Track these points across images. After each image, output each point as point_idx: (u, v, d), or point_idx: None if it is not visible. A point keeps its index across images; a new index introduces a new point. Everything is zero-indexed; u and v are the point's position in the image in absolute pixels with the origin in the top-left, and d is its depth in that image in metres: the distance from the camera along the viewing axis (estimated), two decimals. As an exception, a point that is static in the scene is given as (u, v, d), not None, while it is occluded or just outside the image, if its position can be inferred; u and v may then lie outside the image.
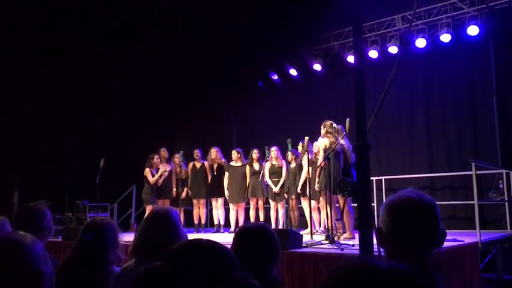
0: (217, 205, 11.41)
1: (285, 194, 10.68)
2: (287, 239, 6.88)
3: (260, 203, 11.15)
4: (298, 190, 10.22)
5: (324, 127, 9.20)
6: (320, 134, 9.33)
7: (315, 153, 10.11)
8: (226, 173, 11.33)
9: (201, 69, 12.15)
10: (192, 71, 12.08)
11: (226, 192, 11.28)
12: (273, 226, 10.86)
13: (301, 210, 10.76)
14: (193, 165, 11.85)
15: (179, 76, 12.27)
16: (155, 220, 3.29)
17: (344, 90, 12.40)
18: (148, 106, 13.24)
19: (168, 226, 3.24)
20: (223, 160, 11.54)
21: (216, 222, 11.26)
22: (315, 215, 10.48)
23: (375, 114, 4.16)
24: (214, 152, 11.68)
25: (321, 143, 8.97)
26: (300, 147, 10.45)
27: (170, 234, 3.15)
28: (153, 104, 13.16)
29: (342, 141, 8.80)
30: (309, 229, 9.35)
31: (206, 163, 11.55)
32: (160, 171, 11.26)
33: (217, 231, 11.12)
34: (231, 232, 10.94)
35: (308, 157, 9.67)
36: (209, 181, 11.53)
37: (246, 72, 13.18)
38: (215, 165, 11.49)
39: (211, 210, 11.87)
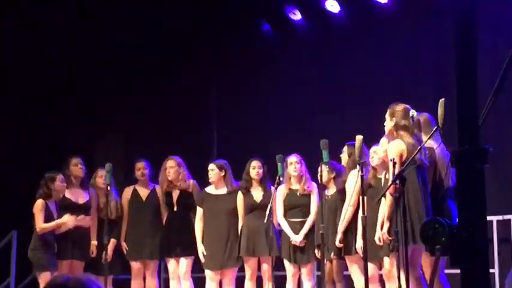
0: (181, 272, 8.63)
1: (316, 250, 7.83)
2: None
3: (266, 267, 8.16)
4: (338, 242, 7.51)
5: (393, 115, 6.39)
6: (381, 131, 6.56)
7: (374, 168, 7.44)
8: (200, 210, 8.53)
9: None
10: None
11: (199, 248, 8.44)
12: None
13: (348, 280, 7.82)
14: (134, 192, 8.84)
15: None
16: None
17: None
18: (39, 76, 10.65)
19: None
20: (192, 182, 8.68)
21: None
22: None
23: (495, 93, 2.94)
24: (172, 167, 8.63)
25: (389, 149, 6.33)
26: (344, 156, 7.73)
27: None
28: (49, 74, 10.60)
29: (431, 145, 6.25)
30: None
31: (159, 188, 8.83)
32: (64, 218, 8.13)
33: None
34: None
35: (361, 175, 6.62)
36: (164, 225, 8.65)
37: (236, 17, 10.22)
38: (175, 193, 8.64)
39: (167, 281, 8.92)
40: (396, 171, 5.94)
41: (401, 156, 6.18)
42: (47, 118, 10.62)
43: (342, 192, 7.57)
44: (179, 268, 8.47)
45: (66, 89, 10.95)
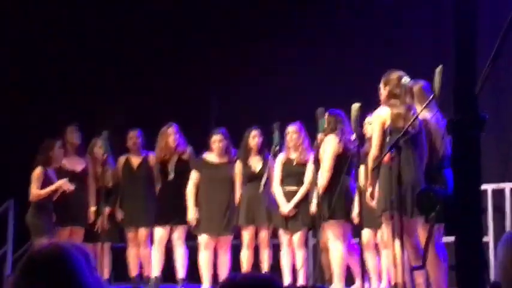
0: (176, 239, 8.59)
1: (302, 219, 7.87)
2: None
3: (264, 235, 8.16)
4: (314, 208, 7.54)
5: (387, 83, 6.36)
6: (376, 101, 6.50)
7: (369, 138, 7.39)
8: (195, 174, 8.47)
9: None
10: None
11: (191, 214, 8.33)
12: (288, 280, 7.91)
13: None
14: (127, 161, 8.80)
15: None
16: (33, 271, 2.30)
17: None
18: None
19: (58, 282, 2.26)
20: (187, 151, 8.58)
21: (178, 274, 8.56)
22: (369, 258, 7.68)
23: (492, 60, 2.84)
24: (170, 135, 8.53)
25: (380, 118, 6.29)
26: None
27: None
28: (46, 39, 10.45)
29: (425, 114, 6.23)
30: (357, 285, 7.07)
31: (152, 156, 8.74)
32: (58, 183, 8.13)
33: None
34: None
35: (358, 144, 6.79)
36: (158, 193, 8.56)
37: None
38: (172, 161, 8.52)
39: (169, 249, 8.76)
40: (390, 142, 5.92)
41: (383, 123, 6.18)
42: (47, 86, 10.60)
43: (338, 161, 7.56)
44: (174, 235, 8.42)
45: (68, 58, 10.93)
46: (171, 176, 8.42)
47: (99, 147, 8.48)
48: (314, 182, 7.43)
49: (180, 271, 8.48)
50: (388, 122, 6.16)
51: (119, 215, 8.59)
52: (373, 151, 6.27)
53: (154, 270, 8.46)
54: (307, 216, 7.67)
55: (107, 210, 8.33)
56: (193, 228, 8.39)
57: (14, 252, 9.56)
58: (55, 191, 8.09)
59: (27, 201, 8.29)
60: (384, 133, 6.09)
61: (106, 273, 8.04)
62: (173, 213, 8.37)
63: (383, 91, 6.37)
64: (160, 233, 8.45)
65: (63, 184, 8.09)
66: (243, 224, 8.11)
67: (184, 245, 8.49)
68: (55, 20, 10.65)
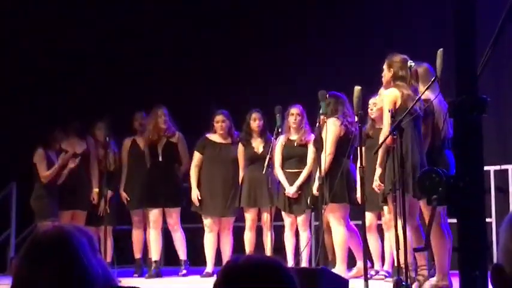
0: (171, 224, 8.69)
1: (308, 201, 7.70)
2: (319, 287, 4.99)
3: (266, 217, 8.08)
4: (315, 190, 7.41)
5: (391, 66, 6.37)
6: (379, 82, 6.57)
7: (373, 119, 7.58)
8: (198, 156, 8.53)
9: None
10: None
11: (194, 192, 8.37)
12: (291, 263, 7.90)
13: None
14: (133, 143, 8.82)
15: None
16: (36, 253, 2.28)
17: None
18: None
19: (62, 265, 2.24)
20: (178, 134, 8.62)
21: (180, 256, 8.65)
22: (372, 240, 7.72)
23: (493, 43, 2.93)
24: (159, 116, 8.56)
25: (385, 99, 6.30)
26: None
27: (71, 281, 2.22)
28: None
29: (428, 95, 6.18)
30: (359, 266, 7.03)
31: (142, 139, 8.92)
32: (62, 157, 8.19)
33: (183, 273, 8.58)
34: (206, 275, 8.30)
35: (359, 125, 6.56)
36: (147, 175, 8.56)
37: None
38: (161, 143, 8.57)
39: (168, 232, 8.88)
40: (392, 123, 5.89)
41: (395, 103, 6.19)
42: (47, 73, 10.56)
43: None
44: (168, 219, 8.48)
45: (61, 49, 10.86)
46: (160, 158, 8.45)
47: (99, 130, 8.50)
48: (315, 164, 7.38)
49: (181, 253, 8.52)
50: (399, 102, 6.18)
51: (124, 197, 8.57)
52: (385, 129, 6.24)
53: (154, 254, 8.50)
54: (310, 198, 7.61)
55: (109, 193, 8.30)
56: (197, 209, 8.36)
57: (17, 235, 9.58)
58: (61, 168, 8.06)
59: (30, 184, 8.30)
60: (393, 115, 6.00)
61: (108, 257, 7.99)
62: (164, 197, 8.38)
63: (387, 73, 6.39)
64: (154, 216, 8.46)
65: (67, 159, 8.05)
66: (245, 206, 8.15)
67: (180, 228, 8.49)
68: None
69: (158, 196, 8.40)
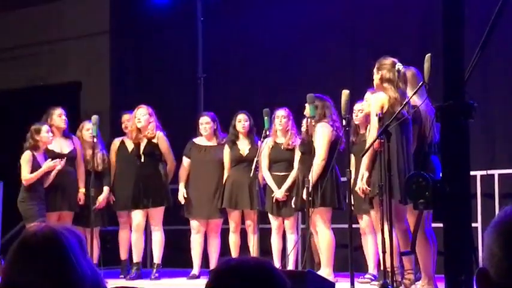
0: (152, 224, 8.66)
1: (294, 205, 7.70)
2: None
3: (249, 221, 8.18)
4: (305, 195, 7.30)
5: (380, 69, 6.36)
6: (369, 85, 6.62)
7: (357, 125, 7.60)
8: (186, 160, 8.52)
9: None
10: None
11: (181, 191, 8.41)
12: (277, 265, 7.72)
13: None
14: (121, 144, 8.79)
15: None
16: (26, 254, 2.28)
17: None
18: None
19: (52, 265, 2.23)
20: (159, 134, 8.49)
21: (154, 259, 8.63)
22: (367, 243, 7.82)
23: (480, 49, 3.02)
24: (143, 115, 8.46)
25: (373, 103, 6.32)
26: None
27: (61, 281, 2.21)
28: None
29: (415, 100, 6.24)
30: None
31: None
32: (46, 164, 8.03)
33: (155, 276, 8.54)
34: (192, 277, 8.31)
35: (347, 129, 6.84)
36: (137, 175, 8.51)
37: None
38: (142, 144, 8.51)
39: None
40: (380, 127, 5.90)
41: (382, 107, 6.19)
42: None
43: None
44: (150, 220, 8.46)
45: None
46: (143, 159, 8.39)
47: (87, 130, 8.45)
48: (302, 168, 7.39)
49: (156, 256, 8.49)
50: (386, 106, 6.18)
51: (111, 198, 8.55)
52: (372, 133, 6.25)
53: (135, 256, 8.47)
54: (297, 200, 7.57)
55: (96, 193, 8.20)
56: (184, 212, 8.38)
57: (3, 235, 9.46)
58: (47, 173, 7.98)
59: (17, 184, 8.19)
60: (381, 119, 6.02)
61: (95, 258, 7.93)
62: (146, 198, 8.34)
63: (376, 76, 6.36)
64: (136, 218, 8.42)
65: (51, 165, 7.94)
66: (226, 207, 8.17)
67: (161, 229, 8.45)
68: None
69: (140, 198, 8.35)
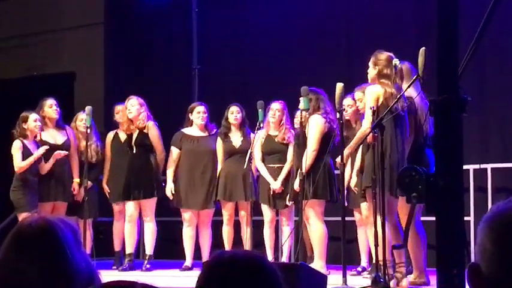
0: (144, 215, 8.57)
1: (288, 196, 7.66)
2: (298, 283, 4.90)
3: (243, 212, 8.17)
4: (297, 186, 7.33)
5: (376, 63, 6.31)
6: (364, 79, 6.59)
7: (347, 120, 7.57)
8: (175, 150, 8.45)
9: None
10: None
11: (169, 187, 8.38)
12: (270, 257, 7.82)
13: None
14: (115, 136, 8.73)
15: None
16: (21, 245, 2.28)
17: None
18: None
19: (46, 257, 2.23)
20: (150, 123, 8.45)
21: (146, 250, 8.62)
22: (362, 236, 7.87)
23: (475, 42, 3.03)
24: (133, 106, 8.45)
25: (368, 96, 6.25)
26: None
27: (55, 272, 2.20)
28: None
29: (410, 93, 6.23)
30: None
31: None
32: (39, 151, 8.01)
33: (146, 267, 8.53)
34: (185, 269, 8.30)
35: (341, 122, 6.69)
36: (129, 166, 8.49)
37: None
38: (134, 134, 8.49)
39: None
40: (373, 121, 5.89)
41: (377, 99, 6.17)
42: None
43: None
44: (143, 211, 8.42)
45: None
46: (135, 150, 8.37)
47: (81, 121, 8.41)
48: (296, 160, 7.38)
49: (148, 247, 8.47)
50: (381, 99, 6.16)
51: (106, 189, 8.55)
52: (366, 126, 6.23)
53: (127, 247, 8.45)
54: (292, 191, 7.55)
55: (89, 184, 8.18)
56: (175, 203, 8.36)
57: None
58: (34, 160, 7.93)
59: (12, 174, 8.16)
60: (374, 112, 6.01)
61: (88, 248, 7.88)
62: (138, 189, 8.31)
63: (372, 70, 6.37)
64: (129, 209, 8.40)
65: (42, 153, 7.88)
66: (220, 199, 8.14)
67: (153, 220, 8.43)
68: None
69: (133, 189, 8.33)
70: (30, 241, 2.33)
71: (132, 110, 8.30)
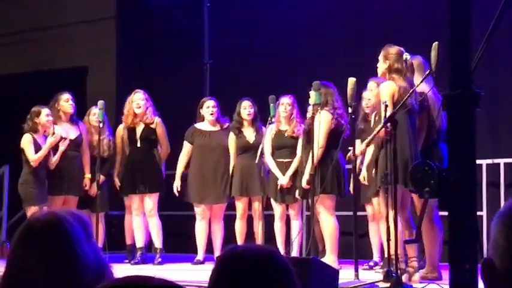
0: (147, 209, 8.46)
1: (297, 191, 7.59)
2: (309, 278, 4.83)
3: (257, 206, 8.14)
4: (305, 183, 7.28)
5: (387, 58, 6.24)
6: (374, 74, 6.49)
7: (366, 113, 7.49)
8: (187, 145, 8.46)
9: None
10: None
11: (176, 182, 8.36)
12: (282, 252, 7.58)
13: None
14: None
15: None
16: (29, 242, 2.23)
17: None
18: None
19: (54, 253, 2.18)
20: (157, 119, 8.45)
21: (155, 244, 8.58)
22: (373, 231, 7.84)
23: (488, 37, 3.00)
24: (142, 100, 8.42)
25: (383, 92, 6.14)
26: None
27: (62, 268, 2.16)
28: None
29: (423, 88, 6.15)
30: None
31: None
32: (49, 140, 7.97)
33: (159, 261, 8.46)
34: (197, 263, 8.31)
35: (353, 117, 6.87)
36: (126, 160, 8.52)
37: None
38: (139, 128, 8.45)
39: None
40: (388, 114, 5.86)
41: (392, 96, 6.12)
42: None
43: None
44: (145, 205, 8.37)
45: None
46: (139, 144, 8.37)
47: (93, 116, 8.41)
48: (305, 155, 7.36)
49: (156, 241, 8.45)
50: (396, 96, 6.10)
51: (117, 183, 8.52)
52: (376, 124, 6.25)
53: (138, 240, 8.45)
54: (301, 187, 7.50)
55: (101, 178, 8.24)
56: (188, 197, 8.35)
57: (9, 218, 9.52)
58: (47, 152, 7.93)
59: (19, 168, 8.15)
60: (393, 105, 5.97)
61: (100, 242, 7.90)
62: (143, 183, 8.30)
63: (382, 65, 6.31)
64: (135, 203, 8.39)
65: (54, 142, 7.87)
66: (236, 195, 8.12)
67: (156, 215, 8.39)
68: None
69: (138, 182, 8.32)
70: (37, 236, 2.32)
71: (141, 104, 8.29)
